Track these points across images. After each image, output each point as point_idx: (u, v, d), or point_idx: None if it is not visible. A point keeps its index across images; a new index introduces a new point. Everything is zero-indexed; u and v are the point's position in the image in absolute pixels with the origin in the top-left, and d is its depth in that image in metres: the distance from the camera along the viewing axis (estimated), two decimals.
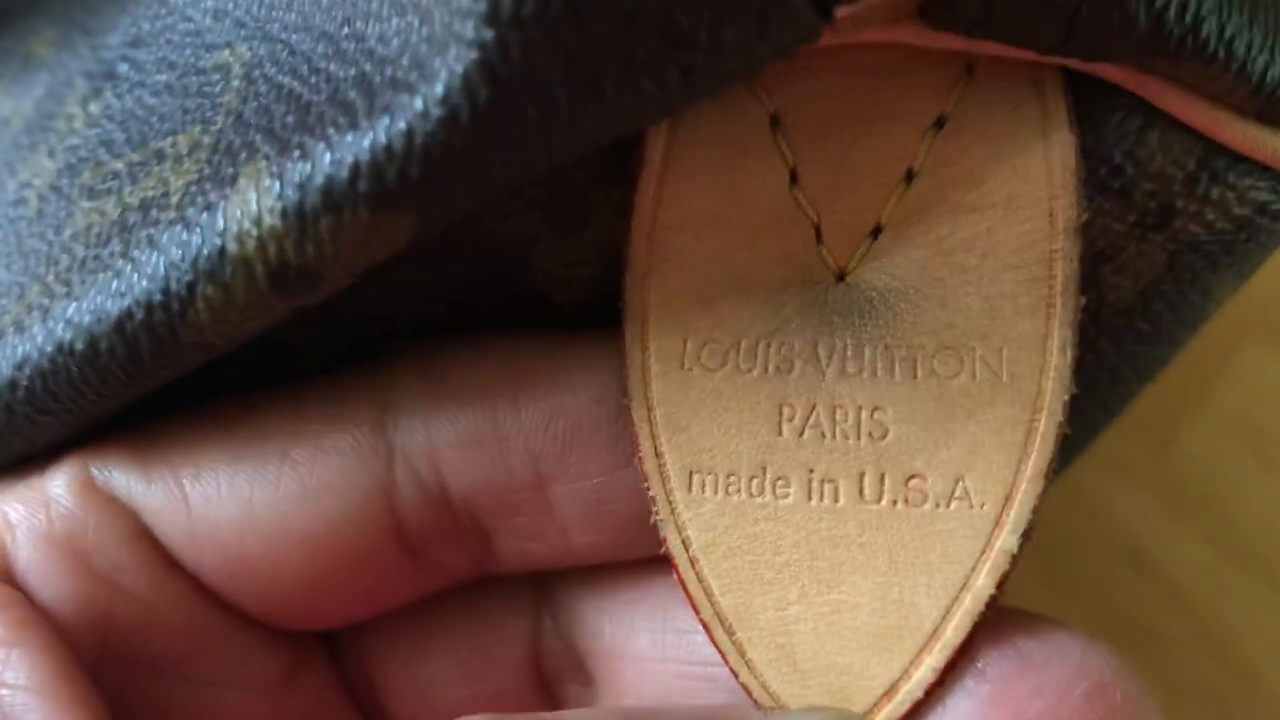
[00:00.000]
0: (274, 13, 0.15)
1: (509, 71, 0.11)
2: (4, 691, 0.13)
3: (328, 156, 0.12)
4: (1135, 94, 0.13)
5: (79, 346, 0.13)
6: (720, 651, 0.13)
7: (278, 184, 0.12)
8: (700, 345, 0.14)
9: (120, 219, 0.14)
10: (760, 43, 0.11)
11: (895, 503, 0.13)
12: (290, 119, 0.13)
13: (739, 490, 0.13)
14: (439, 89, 0.11)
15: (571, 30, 0.11)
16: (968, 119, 0.13)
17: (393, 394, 0.15)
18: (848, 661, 0.13)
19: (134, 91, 0.17)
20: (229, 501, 0.14)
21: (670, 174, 0.13)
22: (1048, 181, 0.13)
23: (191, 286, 0.13)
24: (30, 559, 0.14)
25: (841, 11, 0.11)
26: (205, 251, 0.13)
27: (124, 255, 0.14)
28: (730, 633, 0.13)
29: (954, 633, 0.13)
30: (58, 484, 0.14)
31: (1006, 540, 0.13)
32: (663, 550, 0.14)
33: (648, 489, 0.14)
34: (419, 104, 0.11)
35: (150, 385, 0.14)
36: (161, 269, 0.13)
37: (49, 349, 0.14)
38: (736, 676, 0.13)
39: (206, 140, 0.14)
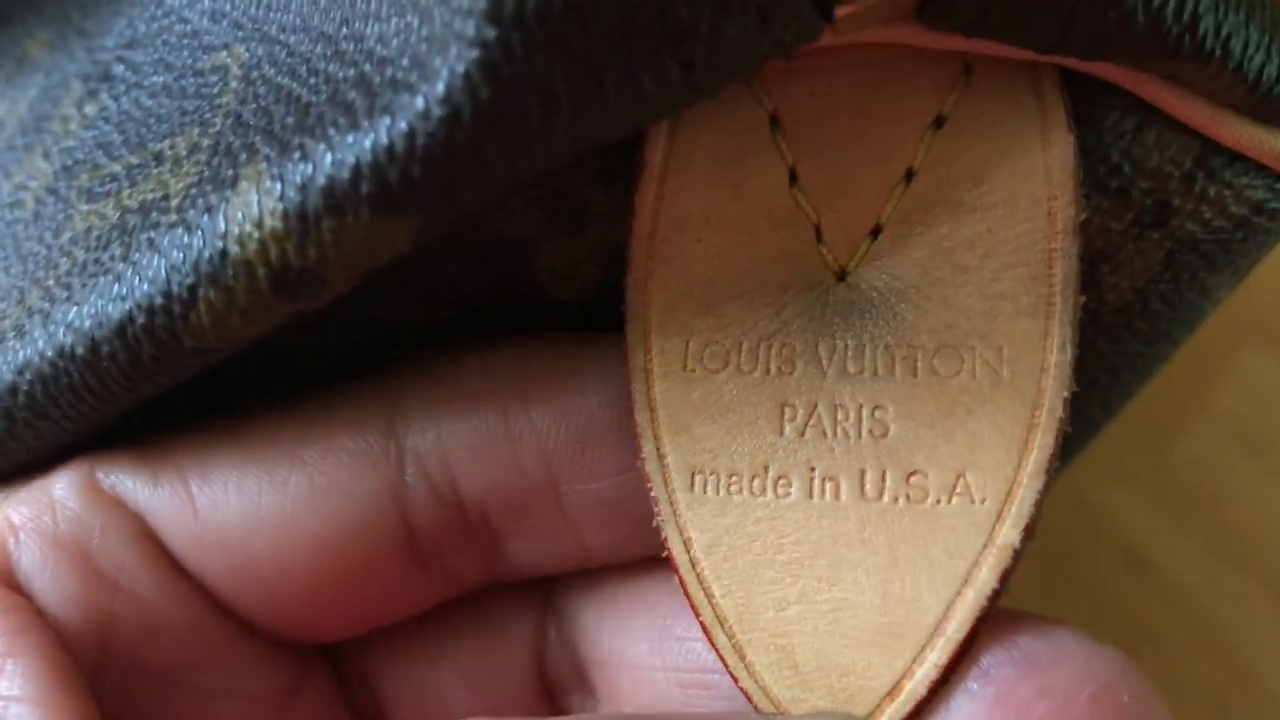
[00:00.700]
0: (271, 14, 0.15)
1: (511, 70, 0.11)
2: None
3: (329, 157, 0.12)
4: (1132, 93, 0.13)
5: (80, 351, 0.13)
6: (720, 655, 0.13)
7: (279, 185, 0.12)
8: (702, 347, 0.14)
9: (120, 222, 0.14)
10: (761, 39, 0.11)
11: (897, 499, 0.13)
12: (290, 120, 0.13)
13: (741, 490, 0.13)
14: (440, 88, 0.11)
15: (573, 26, 0.11)
16: (966, 118, 0.13)
17: (402, 395, 0.15)
18: (849, 661, 0.13)
19: (130, 93, 0.17)
20: (236, 505, 0.14)
21: (670, 175, 0.13)
22: (1046, 181, 0.13)
23: (193, 289, 0.13)
24: (34, 561, 0.14)
25: (841, 10, 0.11)
26: (206, 254, 0.13)
27: (124, 259, 0.14)
28: (730, 635, 0.13)
29: (957, 627, 0.13)
30: (62, 486, 0.14)
31: (1008, 534, 0.13)
32: (664, 552, 0.14)
33: (650, 490, 0.14)
34: (420, 104, 0.11)
35: (150, 391, 0.14)
36: (162, 272, 0.13)
37: (50, 353, 0.14)
38: (736, 681, 0.13)
39: (205, 142, 0.14)
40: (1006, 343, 0.13)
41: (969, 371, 0.13)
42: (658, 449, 0.14)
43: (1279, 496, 0.28)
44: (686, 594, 0.13)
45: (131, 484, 0.14)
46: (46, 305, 0.14)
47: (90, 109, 0.18)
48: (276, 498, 0.14)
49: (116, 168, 0.16)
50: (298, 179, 0.12)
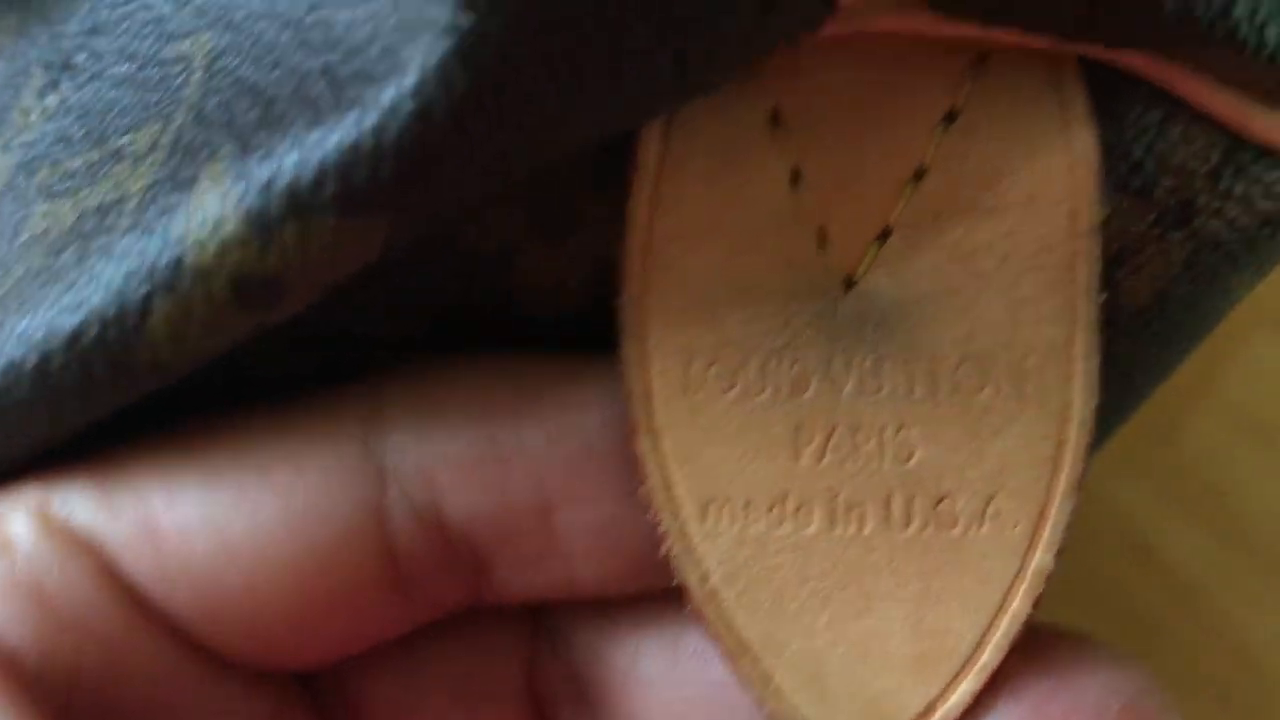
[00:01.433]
0: None
1: (488, 61, 0.10)
2: None
3: (292, 156, 0.11)
4: (1156, 84, 0.12)
5: (30, 365, 0.13)
6: (745, 680, 0.13)
7: (239, 186, 0.11)
8: (706, 366, 0.13)
9: (76, 225, 0.14)
10: (760, 29, 0.10)
11: (926, 527, 0.13)
12: (253, 115, 0.12)
13: (758, 520, 0.13)
14: (411, 81, 0.10)
15: (556, 14, 0.10)
16: (981, 113, 0.12)
17: (382, 409, 0.14)
18: (881, 686, 0.13)
19: (92, 83, 0.16)
20: (204, 531, 0.13)
21: (666, 177, 0.12)
22: (1068, 179, 0.12)
23: (147, 299, 0.12)
24: None
25: None
26: (162, 261, 0.12)
27: (78, 265, 0.13)
28: (756, 662, 0.13)
29: (991, 656, 0.12)
30: (18, 522, 0.13)
31: (1041, 560, 0.12)
32: (676, 583, 0.13)
33: (658, 522, 0.13)
34: (389, 98, 0.10)
35: (106, 409, 0.13)
36: (117, 280, 0.12)
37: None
38: (763, 705, 0.13)
39: (166, 139, 0.13)
40: (1031, 352, 0.12)
41: (994, 386, 0.12)
42: (664, 479, 0.13)
43: None
44: (706, 624, 0.13)
45: (90, 515, 0.13)
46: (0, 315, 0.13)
47: (51, 100, 0.17)
48: (249, 524, 0.13)
49: (76, 164, 0.15)
50: (259, 180, 0.11)
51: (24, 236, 0.15)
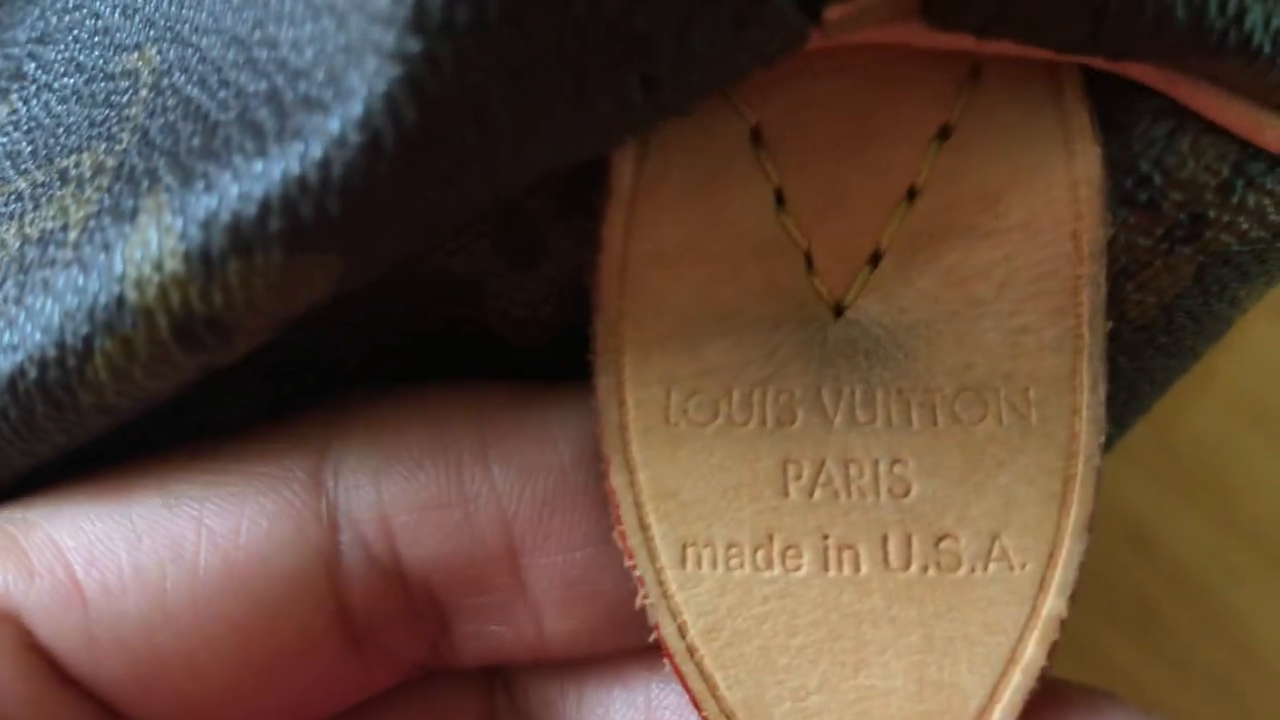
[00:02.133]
0: (184, 10, 0.13)
1: (440, 89, 0.09)
2: None
3: (234, 189, 0.10)
4: (1164, 95, 0.12)
5: None
6: None
7: (180, 221, 0.10)
8: (686, 396, 0.12)
9: (19, 255, 0.13)
10: (737, 50, 0.10)
11: (926, 568, 0.12)
12: (196, 142, 0.11)
13: (742, 563, 0.12)
14: (358, 110, 0.09)
15: (512, 38, 0.09)
16: (976, 129, 0.11)
17: (331, 445, 0.12)
18: None
19: (40, 95, 0.15)
20: (135, 591, 0.12)
21: (641, 201, 0.12)
22: (1071, 200, 0.11)
23: (88, 340, 0.11)
24: None
25: (832, 12, 0.10)
26: (102, 300, 0.11)
27: (18, 301, 0.12)
28: None
29: (1003, 714, 0.11)
30: None
31: (1054, 604, 0.11)
32: (653, 638, 0.12)
33: (633, 567, 0.12)
34: (334, 127, 0.10)
35: (48, 453, 0.12)
36: (56, 319, 0.11)
37: None
38: None
39: (110, 162, 0.12)
40: (1033, 383, 0.12)
41: (995, 417, 0.12)
42: (639, 518, 0.12)
43: None
44: (685, 686, 0.12)
45: (3, 577, 0.12)
46: None
47: (1, 112, 0.16)
48: (185, 579, 0.12)
49: (22, 185, 0.14)
50: (200, 214, 0.10)
51: None
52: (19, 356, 0.11)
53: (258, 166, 0.10)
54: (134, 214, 0.11)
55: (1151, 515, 0.28)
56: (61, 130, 0.14)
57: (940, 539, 0.12)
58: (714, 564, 0.12)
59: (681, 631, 0.12)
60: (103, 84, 0.14)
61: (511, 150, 0.10)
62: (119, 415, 0.12)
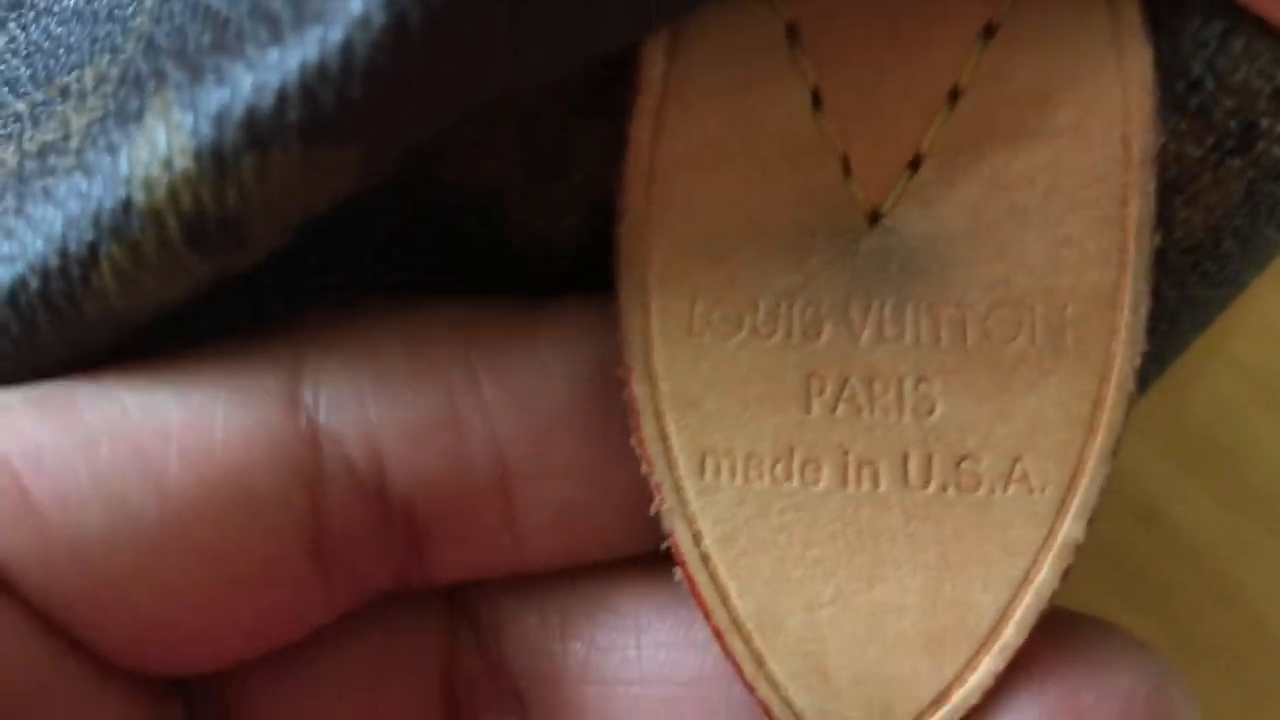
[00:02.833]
0: None
1: None
2: None
3: (248, 80, 0.10)
4: None
5: None
6: (735, 663, 0.12)
7: (190, 117, 0.10)
8: (711, 306, 0.11)
9: (18, 169, 0.12)
10: None
11: (945, 488, 0.11)
12: (206, 38, 0.10)
13: (761, 475, 0.12)
14: None
15: None
16: (1023, 26, 0.11)
17: (304, 361, 0.12)
18: (891, 670, 0.11)
19: (40, 21, 0.15)
20: (97, 507, 0.11)
21: (670, 100, 0.11)
22: (1122, 101, 0.11)
23: (93, 247, 0.10)
24: None
25: None
26: (108, 204, 0.10)
27: (18, 212, 0.11)
28: (748, 641, 0.12)
29: (1014, 632, 0.11)
30: None
31: (1071, 529, 0.11)
32: (666, 545, 0.12)
33: (650, 474, 0.12)
34: (358, 7, 0.09)
35: (52, 368, 0.12)
36: (58, 227, 0.11)
37: None
38: (754, 692, 0.12)
39: (114, 71, 0.12)
40: (1072, 300, 0.11)
41: (1028, 336, 0.11)
42: (660, 428, 0.11)
43: None
44: (696, 594, 0.12)
45: None
46: None
47: None
48: (153, 497, 0.11)
49: (20, 106, 0.14)
50: (212, 108, 0.10)
51: None
52: (19, 267, 0.11)
53: (273, 55, 0.10)
54: (140, 114, 0.10)
55: (1160, 490, 0.28)
56: (62, 50, 0.14)
57: (961, 459, 0.11)
58: (733, 475, 0.12)
59: (696, 539, 0.12)
60: (104, 1, 0.14)
61: (544, 33, 0.09)
62: (126, 326, 0.11)
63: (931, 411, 0.11)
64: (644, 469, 0.12)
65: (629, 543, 0.12)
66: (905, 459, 0.11)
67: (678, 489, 0.12)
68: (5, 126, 0.13)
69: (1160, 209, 0.12)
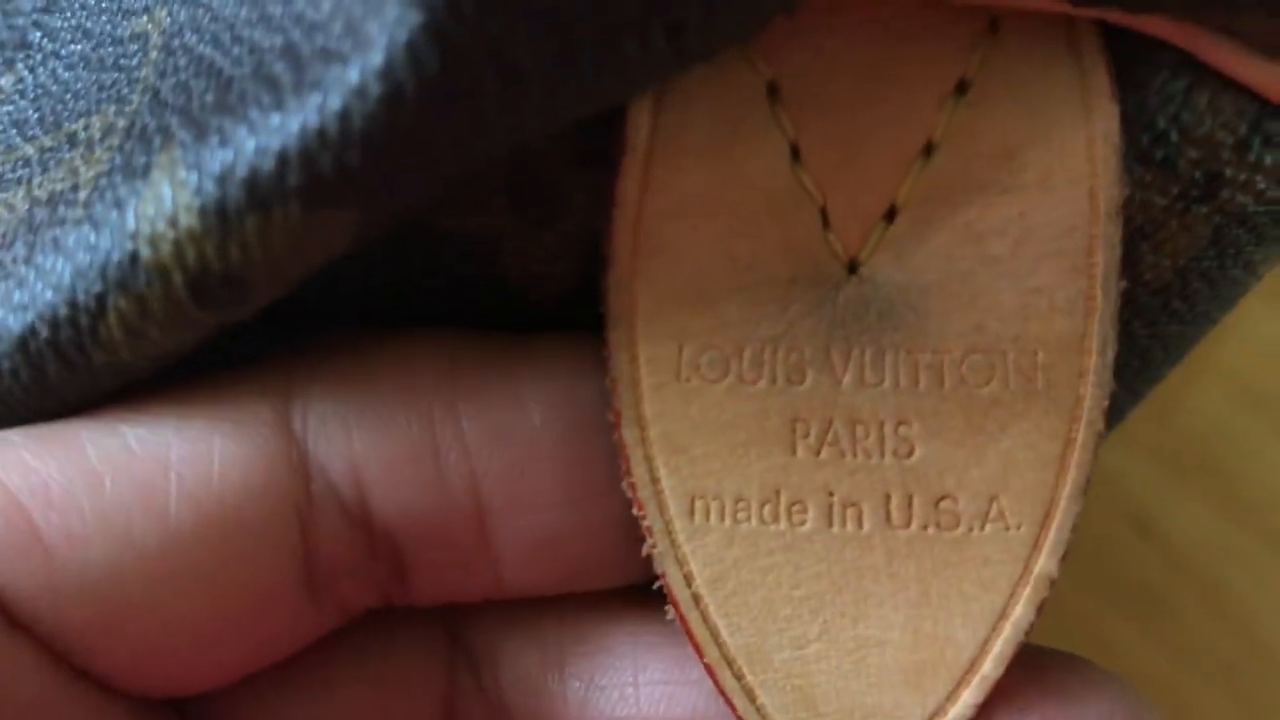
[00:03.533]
0: None
1: (462, 37, 0.09)
2: None
3: (251, 143, 0.10)
4: (1180, 50, 0.11)
5: None
6: (727, 699, 0.12)
7: (195, 176, 0.10)
8: (698, 352, 0.12)
9: (28, 216, 0.13)
10: None
11: (926, 527, 0.12)
12: (210, 98, 0.11)
13: (749, 517, 0.12)
14: (378, 59, 0.09)
15: None
16: (994, 84, 0.11)
17: (295, 391, 0.12)
18: (875, 701, 0.12)
19: (47, 64, 0.15)
20: (101, 538, 0.11)
21: (657, 155, 0.12)
22: (1088, 157, 0.11)
23: (101, 298, 0.11)
24: None
25: None
26: (115, 257, 0.11)
27: (28, 261, 0.12)
28: (739, 676, 0.12)
29: (993, 665, 0.12)
30: None
31: (1046, 564, 0.12)
32: (658, 585, 0.12)
33: (643, 517, 0.12)
34: (355, 78, 0.09)
35: (58, 410, 0.12)
36: (67, 278, 0.11)
37: None
38: None
39: (121, 123, 0.12)
40: (1041, 346, 0.12)
41: (1001, 381, 0.12)
42: (650, 471, 0.12)
43: None
44: (689, 633, 0.12)
45: None
46: None
47: (6, 81, 0.16)
48: (156, 526, 0.11)
49: (29, 150, 0.14)
50: (216, 168, 0.10)
51: None
52: (29, 316, 0.11)
53: (275, 120, 0.10)
54: (146, 170, 0.11)
55: (1153, 500, 0.28)
56: (70, 96, 0.14)
57: (940, 499, 0.12)
58: (722, 517, 0.12)
59: (688, 580, 0.12)
60: (111, 49, 0.14)
61: (535, 99, 0.10)
62: (133, 375, 0.12)
63: (911, 453, 0.12)
64: (636, 512, 0.12)
65: (610, 575, 0.13)
66: (887, 500, 0.12)
67: (669, 532, 0.12)
68: (15, 170, 0.14)
69: (1128, 255, 0.12)
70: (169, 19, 0.13)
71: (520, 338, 0.13)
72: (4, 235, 0.13)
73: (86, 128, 0.13)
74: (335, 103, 0.10)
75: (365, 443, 0.12)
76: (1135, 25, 0.11)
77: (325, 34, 0.10)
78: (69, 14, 0.15)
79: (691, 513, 0.12)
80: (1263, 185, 0.12)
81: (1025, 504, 0.12)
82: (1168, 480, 0.28)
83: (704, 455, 0.12)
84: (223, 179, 0.10)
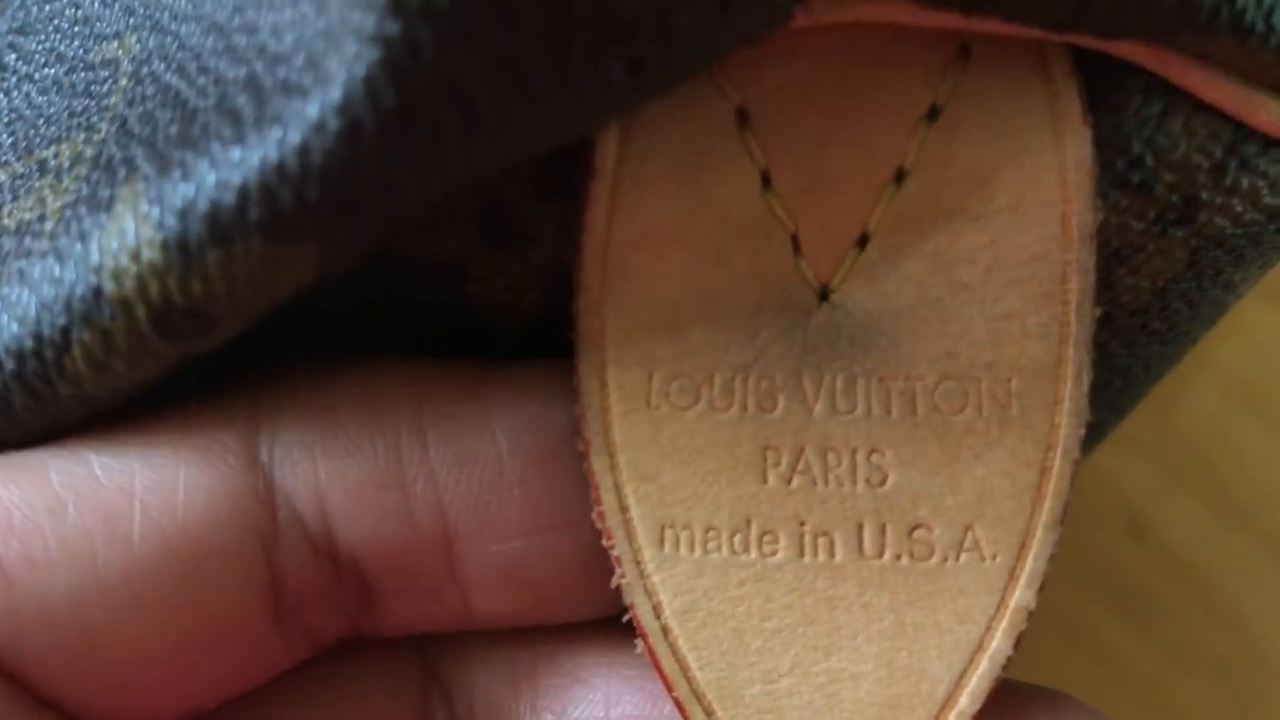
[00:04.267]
0: None
1: (419, 74, 0.09)
2: None
3: (212, 177, 0.10)
4: (1155, 74, 0.11)
5: None
6: None
7: (157, 210, 0.10)
8: (668, 380, 0.12)
9: None
10: (722, 28, 0.09)
11: (899, 557, 0.12)
12: (174, 129, 0.11)
13: (720, 547, 0.12)
14: (336, 94, 0.09)
15: (494, 21, 0.09)
16: (965, 109, 0.11)
17: (261, 419, 0.12)
18: None
19: (21, 86, 0.15)
20: (64, 565, 0.11)
21: (625, 182, 0.12)
22: (1060, 182, 0.11)
23: (66, 332, 0.11)
24: None
25: None
26: (79, 291, 0.11)
27: None
28: (709, 712, 0.12)
29: (969, 700, 0.12)
30: None
31: (1022, 596, 0.12)
32: (627, 618, 0.12)
33: (611, 547, 0.12)
34: (314, 112, 0.09)
35: (24, 441, 0.12)
36: (33, 310, 0.11)
37: None
38: None
39: (89, 152, 0.12)
40: (1015, 373, 0.11)
41: (974, 408, 0.12)
42: (619, 500, 0.12)
43: None
44: (658, 667, 0.12)
45: None
46: None
47: None
48: (119, 554, 0.11)
49: (2, 176, 0.14)
50: (177, 202, 0.10)
51: None
52: None
53: (235, 154, 0.10)
54: (110, 203, 0.11)
55: (1149, 502, 0.28)
56: (42, 121, 0.14)
57: (914, 528, 0.12)
58: (691, 547, 0.12)
59: (656, 612, 0.12)
60: (83, 74, 0.14)
61: (493, 134, 0.09)
62: (98, 406, 0.11)
63: (884, 482, 0.12)
64: (605, 541, 0.12)
65: (581, 606, 0.13)
66: (860, 529, 0.12)
67: (637, 561, 0.12)
68: None
69: (1105, 279, 0.12)
70: (139, 45, 0.13)
71: (489, 364, 0.12)
72: None
73: (56, 155, 0.13)
74: (295, 137, 0.09)
75: (331, 471, 0.12)
76: (1109, 50, 0.11)
77: (287, 67, 0.10)
78: (43, 36, 0.15)
79: (661, 542, 0.12)
80: (1240, 208, 0.12)
81: (1001, 533, 0.12)
82: (1163, 481, 0.28)
83: (674, 483, 0.12)
84: (184, 213, 0.10)
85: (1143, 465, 0.28)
